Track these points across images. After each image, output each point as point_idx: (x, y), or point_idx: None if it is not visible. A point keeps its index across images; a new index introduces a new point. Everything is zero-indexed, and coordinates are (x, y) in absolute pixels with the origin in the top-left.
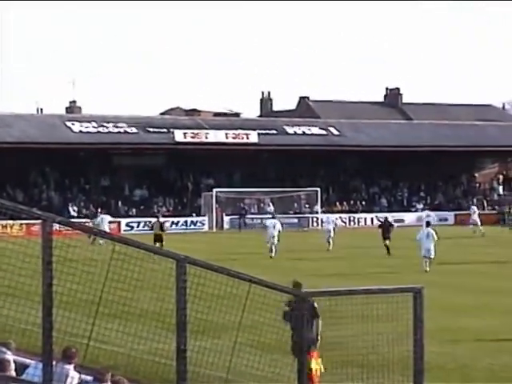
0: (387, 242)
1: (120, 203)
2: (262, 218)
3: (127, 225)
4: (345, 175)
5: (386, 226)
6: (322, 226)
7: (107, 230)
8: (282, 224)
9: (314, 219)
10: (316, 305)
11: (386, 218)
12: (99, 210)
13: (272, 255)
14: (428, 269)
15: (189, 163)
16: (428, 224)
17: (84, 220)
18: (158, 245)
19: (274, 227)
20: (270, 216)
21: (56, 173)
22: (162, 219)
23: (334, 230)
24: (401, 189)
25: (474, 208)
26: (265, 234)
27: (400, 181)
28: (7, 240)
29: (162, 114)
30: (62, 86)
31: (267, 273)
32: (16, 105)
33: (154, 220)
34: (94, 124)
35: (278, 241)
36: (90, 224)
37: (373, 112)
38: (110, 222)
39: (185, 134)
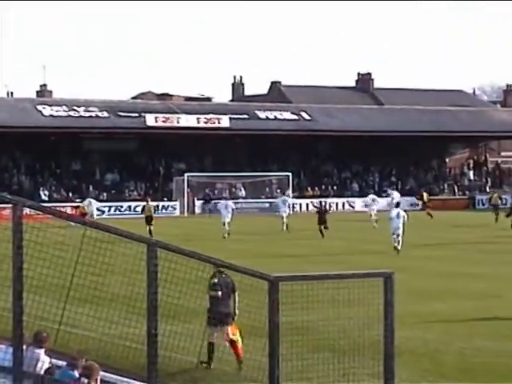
0: (322, 226)
1: (91, 187)
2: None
3: (98, 209)
4: (316, 160)
5: (322, 212)
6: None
7: (95, 213)
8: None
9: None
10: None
11: (321, 202)
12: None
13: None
14: (399, 247)
15: (160, 147)
16: (398, 205)
17: (60, 204)
18: (151, 227)
19: (226, 208)
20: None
21: (27, 157)
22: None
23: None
24: (372, 173)
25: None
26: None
27: (371, 165)
28: None
29: (133, 98)
30: (32, 69)
31: (236, 257)
32: None
33: (144, 203)
34: (64, 108)
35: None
36: (82, 206)
37: (344, 97)
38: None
39: (156, 118)
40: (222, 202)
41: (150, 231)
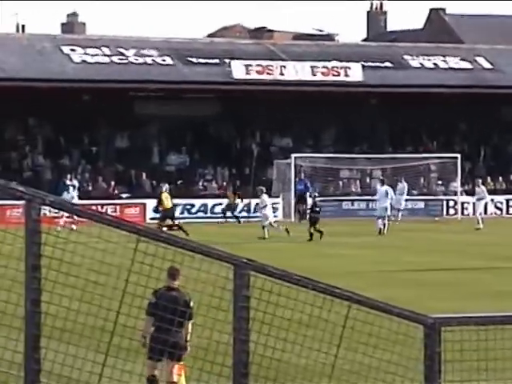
0: None
1: (145, 175)
2: (368, 201)
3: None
4: (501, 134)
5: None
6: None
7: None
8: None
9: (451, 203)
10: (192, 303)
11: None
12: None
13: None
14: None
15: (253, 114)
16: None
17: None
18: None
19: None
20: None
21: (46, 127)
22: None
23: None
24: None
25: None
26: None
27: None
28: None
29: (211, 35)
30: None
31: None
32: None
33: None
34: (105, 51)
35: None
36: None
37: None
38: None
39: (248, 67)
40: (381, 188)
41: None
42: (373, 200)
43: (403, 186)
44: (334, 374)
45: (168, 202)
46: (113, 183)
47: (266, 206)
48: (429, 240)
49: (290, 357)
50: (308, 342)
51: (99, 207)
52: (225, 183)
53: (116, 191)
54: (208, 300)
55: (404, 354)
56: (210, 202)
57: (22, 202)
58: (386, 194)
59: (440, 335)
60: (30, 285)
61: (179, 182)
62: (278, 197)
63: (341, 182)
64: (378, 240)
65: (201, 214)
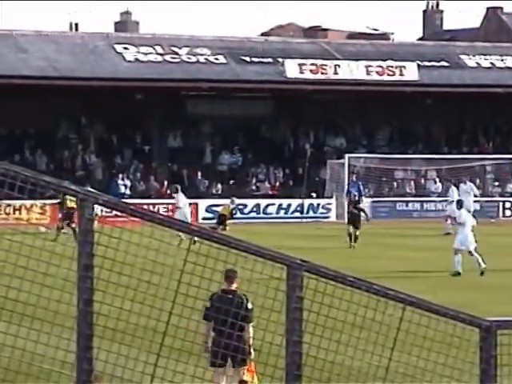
0: None
1: (199, 174)
2: (422, 202)
3: (209, 209)
4: None
5: None
6: None
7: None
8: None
9: (508, 205)
10: (250, 306)
11: None
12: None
13: None
14: None
15: (307, 113)
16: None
17: (148, 200)
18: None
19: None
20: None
21: (98, 126)
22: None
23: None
24: None
25: None
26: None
27: None
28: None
29: (264, 34)
30: None
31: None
32: (39, 19)
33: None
34: (158, 49)
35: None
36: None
37: None
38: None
39: (301, 66)
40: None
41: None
42: (428, 201)
43: (469, 186)
44: (388, 377)
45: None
46: (165, 183)
47: (182, 207)
48: (485, 242)
49: (343, 359)
50: (362, 344)
51: (151, 206)
52: (277, 183)
53: (168, 191)
54: (261, 301)
55: (459, 357)
56: (262, 202)
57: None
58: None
59: (496, 338)
60: (83, 284)
61: (232, 182)
62: (331, 197)
63: (395, 183)
64: (432, 241)
65: (253, 215)
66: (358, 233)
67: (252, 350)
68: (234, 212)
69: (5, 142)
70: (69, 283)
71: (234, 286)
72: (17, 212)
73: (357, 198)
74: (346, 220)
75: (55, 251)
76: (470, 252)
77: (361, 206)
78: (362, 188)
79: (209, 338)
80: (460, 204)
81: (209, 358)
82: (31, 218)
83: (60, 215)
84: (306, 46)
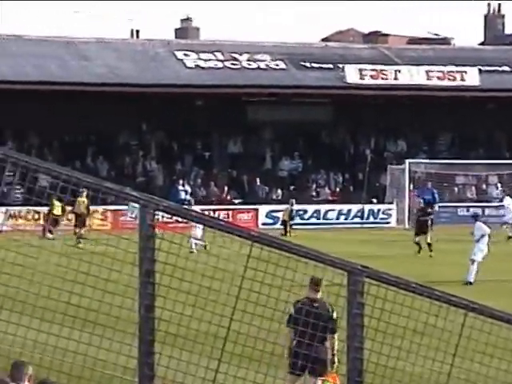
0: None
1: (258, 180)
2: (483, 207)
3: (269, 215)
4: None
5: None
6: None
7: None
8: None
9: None
10: (335, 315)
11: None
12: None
13: None
14: None
15: (367, 119)
16: None
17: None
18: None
19: None
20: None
21: (159, 132)
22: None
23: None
24: None
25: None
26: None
27: None
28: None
29: (324, 39)
30: None
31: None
32: (100, 27)
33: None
34: (219, 56)
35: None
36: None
37: None
38: None
39: (361, 71)
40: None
41: None
42: (489, 206)
43: None
44: None
45: (58, 209)
46: (225, 188)
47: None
48: None
49: (404, 365)
50: (423, 350)
51: (211, 212)
52: (338, 189)
53: (228, 197)
54: None
55: None
56: (322, 208)
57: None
58: None
59: None
60: (144, 290)
61: (292, 188)
62: (391, 203)
63: (456, 188)
64: (494, 247)
65: (313, 220)
66: (429, 239)
67: (336, 361)
68: (292, 214)
69: (67, 149)
70: (130, 289)
71: (319, 295)
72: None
73: (423, 205)
74: (415, 229)
75: (116, 257)
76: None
77: (431, 211)
78: (436, 195)
79: (288, 346)
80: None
81: (288, 365)
82: (92, 224)
83: (48, 221)
84: (366, 52)
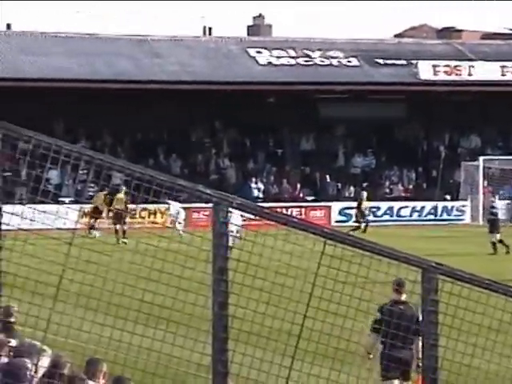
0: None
1: (329, 178)
2: None
3: (342, 212)
4: None
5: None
6: None
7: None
8: None
9: None
10: (421, 317)
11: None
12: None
13: None
14: None
15: (441, 115)
16: None
17: (281, 203)
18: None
19: None
20: None
21: (231, 130)
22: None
23: None
24: None
25: None
26: None
27: None
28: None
29: (397, 35)
30: None
31: None
32: (173, 24)
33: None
34: (291, 53)
35: None
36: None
37: None
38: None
39: (435, 67)
40: None
41: None
42: None
43: None
44: None
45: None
46: (298, 186)
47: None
48: None
49: (479, 362)
50: (498, 347)
51: (284, 210)
52: (411, 186)
53: (301, 194)
54: None
55: None
56: (396, 205)
57: (209, 205)
58: None
59: None
60: (218, 287)
61: (365, 185)
62: (465, 200)
63: None
64: None
65: (387, 217)
66: (498, 237)
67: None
68: (360, 204)
69: (139, 147)
70: (204, 286)
71: (403, 297)
72: (152, 216)
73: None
74: (488, 227)
75: (189, 254)
76: None
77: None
78: None
79: (372, 350)
80: None
81: (381, 369)
82: (166, 222)
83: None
84: (439, 47)
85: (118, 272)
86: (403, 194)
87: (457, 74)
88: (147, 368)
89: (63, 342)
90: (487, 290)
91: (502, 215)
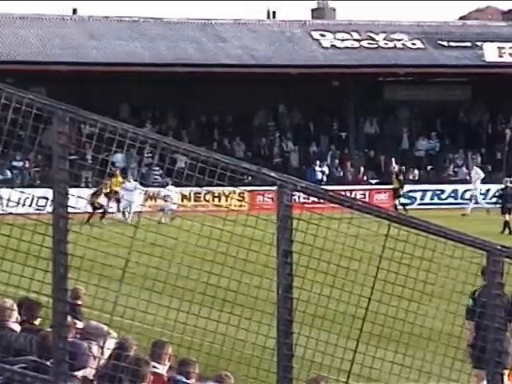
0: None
1: (394, 161)
2: None
3: (406, 195)
4: None
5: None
6: None
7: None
8: None
9: None
10: None
11: None
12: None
13: None
14: None
15: (506, 97)
16: None
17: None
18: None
19: None
20: None
21: (295, 114)
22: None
23: None
24: None
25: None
26: None
27: None
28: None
29: (462, 18)
30: None
31: None
32: (237, 8)
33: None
34: (355, 35)
35: None
36: None
37: None
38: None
39: (501, 49)
40: None
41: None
42: None
43: None
44: None
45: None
46: (362, 169)
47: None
48: None
49: None
50: None
51: (348, 193)
52: (474, 167)
53: (365, 177)
54: (460, 287)
55: None
56: (460, 188)
57: (273, 188)
58: None
59: None
60: (282, 270)
61: (429, 168)
62: None
63: None
64: None
65: (451, 200)
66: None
67: None
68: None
69: (204, 130)
70: (268, 269)
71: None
72: (216, 199)
73: None
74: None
75: (254, 237)
76: None
77: None
78: None
79: (469, 340)
80: None
81: (472, 359)
82: (230, 205)
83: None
84: (505, 29)
85: (183, 255)
86: (467, 177)
87: None
88: (212, 351)
89: (129, 325)
90: None
91: None
